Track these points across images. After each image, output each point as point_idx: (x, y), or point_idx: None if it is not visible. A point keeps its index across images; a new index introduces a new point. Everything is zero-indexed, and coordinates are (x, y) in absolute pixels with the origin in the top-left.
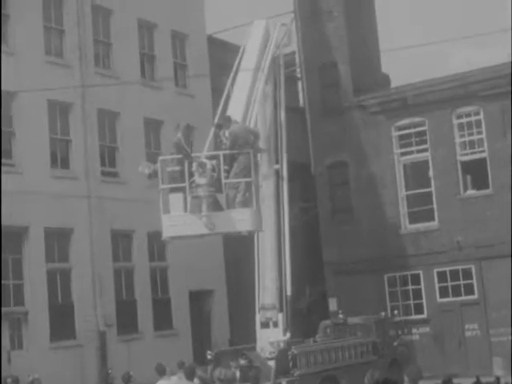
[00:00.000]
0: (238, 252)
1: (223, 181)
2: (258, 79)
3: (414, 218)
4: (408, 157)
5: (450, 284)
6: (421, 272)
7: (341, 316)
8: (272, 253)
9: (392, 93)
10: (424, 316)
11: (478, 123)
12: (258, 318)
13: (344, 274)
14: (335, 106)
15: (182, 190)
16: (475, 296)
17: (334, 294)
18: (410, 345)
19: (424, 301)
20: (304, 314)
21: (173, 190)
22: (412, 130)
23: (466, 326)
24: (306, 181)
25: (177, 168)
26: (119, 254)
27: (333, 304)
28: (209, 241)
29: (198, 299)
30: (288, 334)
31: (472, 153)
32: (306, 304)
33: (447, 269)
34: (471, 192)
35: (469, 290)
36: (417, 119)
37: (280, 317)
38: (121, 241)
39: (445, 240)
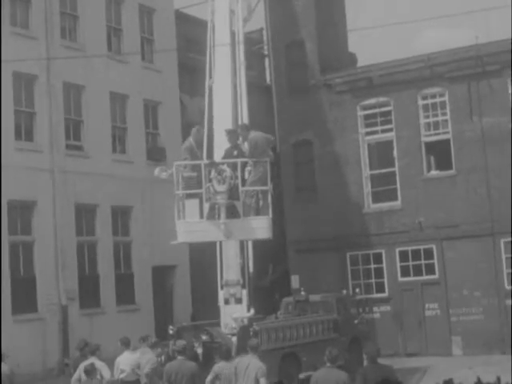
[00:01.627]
0: None
1: (240, 188)
2: (239, 66)
3: (377, 197)
4: (373, 136)
5: (411, 263)
6: (383, 251)
7: (303, 293)
8: None
9: (358, 72)
10: (385, 295)
11: (443, 105)
12: (222, 294)
13: (307, 251)
14: (301, 85)
15: (198, 196)
16: (436, 276)
17: (296, 271)
18: (370, 323)
19: (385, 280)
20: (266, 291)
21: (189, 196)
22: (377, 110)
23: (427, 306)
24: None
25: (194, 174)
26: (82, 228)
27: (295, 281)
28: (172, 217)
29: (161, 274)
30: (252, 311)
31: (436, 134)
32: (268, 281)
33: (409, 248)
34: (434, 173)
35: (430, 269)
36: (382, 99)
37: (244, 293)
38: (84, 215)
39: (407, 220)
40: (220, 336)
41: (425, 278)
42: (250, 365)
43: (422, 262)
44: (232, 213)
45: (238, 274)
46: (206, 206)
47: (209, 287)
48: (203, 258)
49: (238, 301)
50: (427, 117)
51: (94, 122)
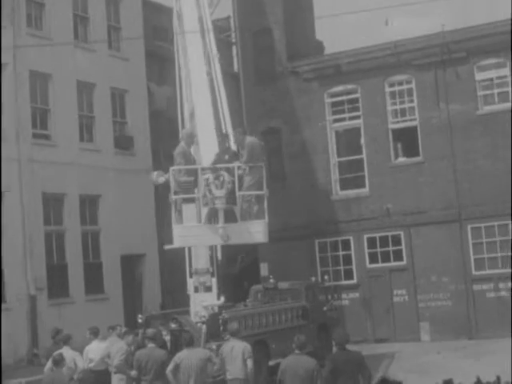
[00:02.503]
0: (170, 216)
1: (237, 193)
2: (212, 58)
3: (345, 184)
4: (340, 124)
5: (379, 250)
6: (351, 238)
7: (272, 281)
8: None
9: (325, 60)
10: (354, 281)
11: (410, 92)
12: (192, 282)
13: (275, 239)
14: (269, 72)
15: (195, 200)
16: (404, 262)
17: (265, 259)
18: (339, 310)
19: (354, 266)
20: (235, 279)
21: (185, 201)
22: (344, 97)
23: (395, 292)
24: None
25: (190, 179)
26: (50, 218)
27: (264, 269)
28: (140, 206)
29: (130, 263)
30: (222, 299)
31: (403, 121)
32: (237, 269)
33: (377, 235)
34: (402, 160)
35: (398, 256)
36: (349, 86)
37: (214, 281)
38: (52, 204)
39: (375, 206)
40: (189, 324)
41: (393, 264)
42: (235, 347)
43: (390, 248)
44: (229, 217)
45: (208, 263)
46: (204, 210)
47: (178, 276)
48: None
49: (208, 289)
50: (394, 104)
51: (60, 111)
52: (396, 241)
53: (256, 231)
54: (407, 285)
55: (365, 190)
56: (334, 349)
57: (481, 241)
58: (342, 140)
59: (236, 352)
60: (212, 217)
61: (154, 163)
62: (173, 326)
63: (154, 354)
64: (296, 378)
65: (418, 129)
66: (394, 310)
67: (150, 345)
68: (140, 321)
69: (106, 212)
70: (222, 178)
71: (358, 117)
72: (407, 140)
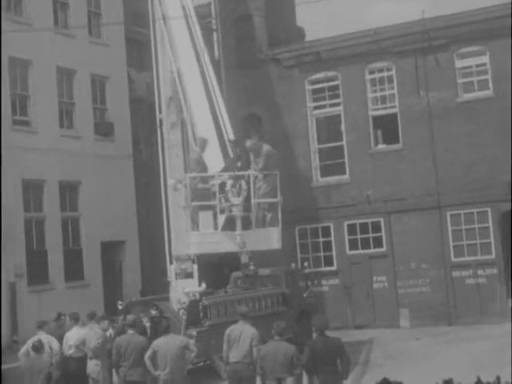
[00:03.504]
0: (150, 203)
1: (253, 200)
2: (201, 52)
3: (325, 171)
4: (321, 111)
5: (359, 237)
6: (331, 225)
7: (251, 268)
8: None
9: (306, 46)
10: (334, 268)
11: (390, 79)
12: (173, 268)
13: None
14: (250, 59)
15: (212, 207)
16: (383, 249)
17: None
18: (319, 296)
19: (334, 253)
20: (215, 266)
21: (202, 208)
22: (325, 84)
23: (374, 278)
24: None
25: (207, 186)
26: (30, 204)
27: (244, 256)
28: (121, 193)
29: (110, 250)
30: (203, 285)
31: (383, 108)
32: (217, 256)
33: (357, 222)
34: (382, 146)
35: (377, 242)
36: (330, 73)
37: (195, 268)
38: (32, 190)
39: (355, 193)
40: (169, 310)
41: (373, 251)
42: (243, 331)
43: (370, 235)
44: (246, 224)
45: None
46: (221, 217)
47: (158, 262)
48: (152, 233)
49: (189, 275)
50: (375, 91)
51: (41, 97)
52: (376, 227)
53: (271, 238)
54: (387, 271)
55: (345, 177)
56: (314, 335)
57: (460, 228)
58: (323, 127)
59: (245, 336)
60: (231, 224)
61: (134, 149)
62: (153, 312)
63: (134, 340)
64: (275, 363)
65: (398, 116)
66: (373, 296)
67: (130, 331)
68: (120, 307)
69: (86, 198)
70: (238, 186)
71: (338, 104)
72: (387, 127)
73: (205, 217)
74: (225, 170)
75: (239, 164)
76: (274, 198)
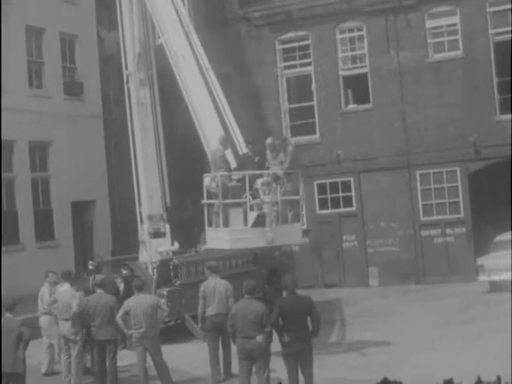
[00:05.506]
0: (120, 162)
1: (279, 198)
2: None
3: (295, 130)
4: (291, 70)
5: (329, 196)
6: (301, 184)
7: None
8: (155, 163)
9: (276, 6)
10: (304, 227)
11: (361, 39)
12: (146, 228)
13: None
14: (220, 18)
15: (242, 205)
16: (353, 208)
17: None
18: (289, 255)
19: (304, 212)
20: (186, 225)
21: (233, 205)
22: (296, 44)
23: (344, 238)
24: None
25: (239, 184)
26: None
27: None
28: (91, 152)
29: (81, 210)
30: (176, 244)
31: (354, 68)
32: (188, 215)
33: (327, 181)
34: (352, 106)
35: (347, 202)
36: (300, 33)
37: (167, 227)
38: (1, 151)
39: (325, 153)
40: (140, 270)
41: (342, 210)
42: (217, 284)
43: (340, 194)
44: (277, 221)
45: (161, 208)
46: (251, 214)
47: (129, 222)
48: (122, 193)
49: (162, 235)
50: (345, 51)
51: (9, 57)
52: (346, 187)
53: (294, 233)
54: (356, 231)
55: (315, 137)
56: (284, 293)
57: (429, 187)
58: (293, 87)
59: (219, 288)
60: (261, 221)
61: (104, 109)
62: (124, 272)
63: (102, 300)
64: (246, 322)
65: (369, 76)
66: (343, 255)
67: (99, 291)
68: (91, 267)
69: (56, 158)
70: (268, 184)
71: (308, 63)
72: (358, 87)
73: (235, 214)
74: (240, 168)
75: (257, 159)
76: (297, 195)
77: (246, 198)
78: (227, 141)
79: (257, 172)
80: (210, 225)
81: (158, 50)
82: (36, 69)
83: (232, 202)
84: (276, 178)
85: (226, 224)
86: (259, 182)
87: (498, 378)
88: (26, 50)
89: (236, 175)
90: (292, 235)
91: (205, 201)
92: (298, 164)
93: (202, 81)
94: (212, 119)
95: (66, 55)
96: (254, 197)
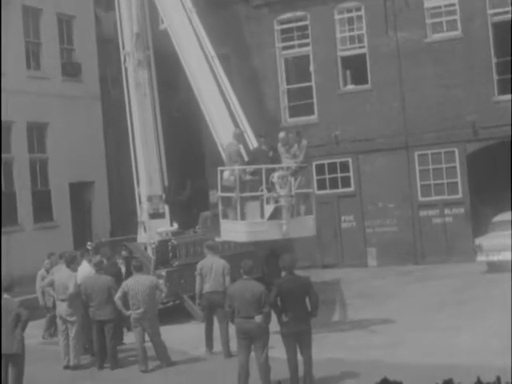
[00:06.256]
0: (119, 143)
1: (293, 191)
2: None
3: (294, 111)
4: (289, 51)
5: (327, 177)
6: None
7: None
8: (153, 144)
9: None
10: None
11: (359, 19)
12: (146, 208)
13: (224, 165)
14: (219, 0)
15: (259, 198)
16: (352, 188)
17: (214, 186)
18: None
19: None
20: (185, 206)
21: (250, 199)
22: (294, 25)
23: (343, 218)
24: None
25: (256, 177)
26: None
27: (213, 196)
28: (89, 133)
29: (79, 191)
30: (175, 225)
31: (352, 48)
32: (186, 196)
33: (325, 162)
34: (350, 87)
35: (346, 182)
36: (299, 13)
37: (167, 208)
38: (0, 132)
39: (324, 134)
40: (138, 251)
41: (341, 190)
42: (214, 263)
43: (338, 175)
44: (292, 214)
45: (160, 189)
46: (268, 207)
47: (127, 203)
48: (121, 173)
49: (161, 215)
50: (343, 31)
51: (6, 38)
52: (344, 167)
53: (308, 225)
54: (355, 211)
55: (313, 118)
56: (282, 274)
57: (427, 168)
58: (291, 67)
59: (216, 267)
60: (277, 214)
61: (102, 90)
62: (123, 253)
63: (100, 280)
64: (243, 301)
65: (367, 56)
66: (341, 236)
67: (96, 272)
68: (89, 248)
69: (54, 139)
70: (285, 178)
71: (307, 44)
72: (356, 67)
73: (252, 207)
74: (252, 161)
75: (271, 153)
76: (309, 188)
77: (262, 191)
78: (242, 135)
79: (273, 166)
80: (225, 217)
81: (155, 31)
82: (34, 50)
83: (249, 196)
84: (294, 172)
85: (243, 217)
86: (276, 175)
87: (498, 379)
88: (24, 31)
89: (251, 169)
90: (306, 228)
91: (219, 194)
92: (310, 158)
93: (209, 71)
94: (222, 112)
95: (63, 36)
96: (269, 190)
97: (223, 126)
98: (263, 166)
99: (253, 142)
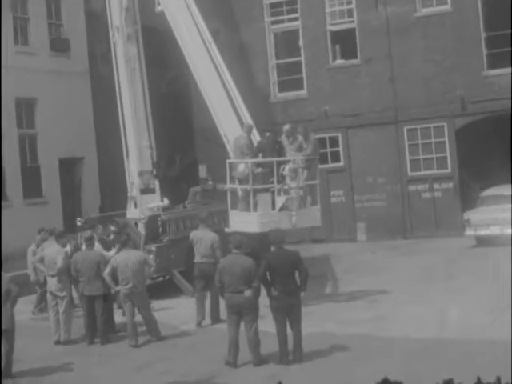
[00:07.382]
0: (108, 118)
1: (302, 183)
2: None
3: (283, 86)
4: (279, 25)
5: None
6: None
7: (210, 183)
8: (143, 119)
9: None
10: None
11: None
12: (136, 184)
13: (214, 140)
14: None
15: (270, 190)
16: (341, 163)
17: (204, 160)
18: None
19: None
20: (174, 181)
21: (261, 190)
22: None
23: (332, 193)
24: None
25: (267, 170)
26: None
27: (202, 171)
28: (78, 109)
29: (69, 167)
30: (166, 200)
31: (341, 23)
32: (176, 171)
33: (315, 137)
34: (340, 62)
35: (335, 157)
36: None
37: (157, 183)
38: None
39: (313, 109)
40: (128, 226)
41: (330, 165)
42: (204, 235)
43: (328, 149)
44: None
45: (151, 165)
46: (279, 199)
47: (117, 179)
48: (110, 149)
49: (151, 191)
50: (333, 6)
51: None
52: (333, 142)
53: (315, 216)
54: (344, 186)
55: (303, 92)
56: (272, 249)
57: (416, 142)
58: (281, 42)
59: (206, 239)
60: (288, 205)
61: (91, 65)
62: (112, 228)
63: (89, 256)
64: (233, 276)
65: (357, 31)
66: (331, 210)
67: (86, 247)
68: (79, 224)
69: (43, 115)
70: (296, 170)
71: (296, 19)
72: (345, 42)
73: (264, 198)
74: (258, 154)
75: (278, 146)
76: (315, 180)
77: (272, 183)
78: (251, 128)
79: (284, 159)
80: (233, 208)
81: (144, 8)
82: (21, 25)
83: (261, 188)
84: (306, 166)
85: (254, 208)
86: (287, 168)
87: (498, 379)
88: (11, 6)
89: (259, 162)
90: (312, 218)
91: (228, 185)
92: (317, 151)
93: (209, 59)
94: (223, 102)
95: (51, 11)
96: (279, 182)
97: (226, 116)
98: (274, 160)
99: (255, 136)
